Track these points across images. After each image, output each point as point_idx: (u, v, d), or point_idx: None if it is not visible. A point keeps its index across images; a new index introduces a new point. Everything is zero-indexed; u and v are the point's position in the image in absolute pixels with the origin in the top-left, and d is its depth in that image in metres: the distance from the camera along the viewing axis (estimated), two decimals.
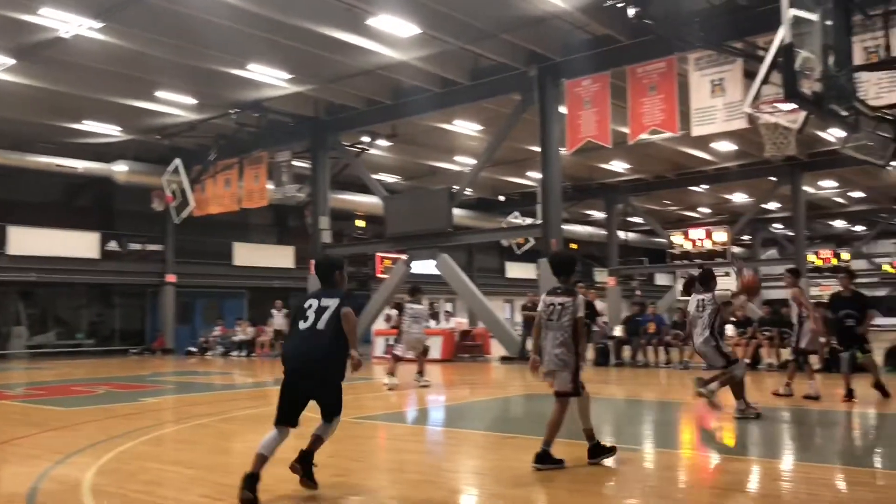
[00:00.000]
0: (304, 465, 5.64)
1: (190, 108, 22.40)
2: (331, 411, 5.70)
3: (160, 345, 28.30)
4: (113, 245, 28.01)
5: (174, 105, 22.00)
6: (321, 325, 5.57)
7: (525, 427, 9.33)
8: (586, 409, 6.37)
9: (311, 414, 5.73)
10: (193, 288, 30.05)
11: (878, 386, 10.35)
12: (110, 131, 24.34)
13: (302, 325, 5.65)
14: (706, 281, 9.00)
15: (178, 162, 24.85)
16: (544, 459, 6.12)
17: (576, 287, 6.62)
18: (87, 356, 26.44)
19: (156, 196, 26.04)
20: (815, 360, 12.56)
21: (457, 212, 24.01)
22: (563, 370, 6.23)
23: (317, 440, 5.76)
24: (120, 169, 26.29)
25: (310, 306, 5.70)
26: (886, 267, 43.74)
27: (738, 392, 8.79)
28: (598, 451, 6.31)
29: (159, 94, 20.91)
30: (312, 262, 24.53)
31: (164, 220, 27.66)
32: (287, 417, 5.57)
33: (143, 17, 16.07)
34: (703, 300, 8.82)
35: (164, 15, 15.91)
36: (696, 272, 10.25)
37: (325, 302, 5.67)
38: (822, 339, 11.02)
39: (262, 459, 5.41)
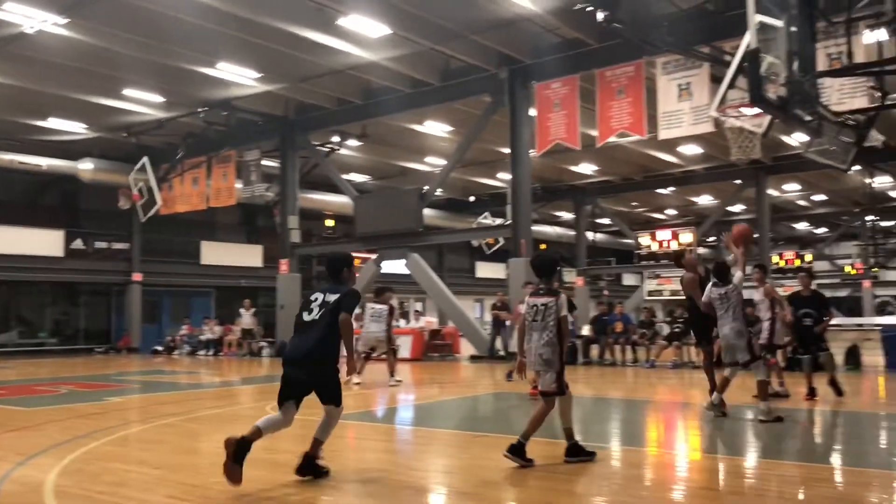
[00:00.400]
0: (309, 468, 5.91)
1: (157, 105, 22.16)
2: (328, 400, 5.93)
3: (126, 344, 27.98)
4: (78, 243, 27.61)
5: (141, 103, 21.75)
6: (318, 316, 5.88)
7: (494, 426, 9.38)
8: (568, 409, 6.47)
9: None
10: (160, 287, 29.76)
11: (833, 383, 10.48)
12: (76, 129, 23.99)
13: (306, 316, 5.97)
14: (723, 274, 8.84)
15: (145, 160, 24.60)
16: (517, 451, 6.20)
17: (558, 287, 6.67)
18: (51, 355, 26.01)
19: (122, 194, 25.74)
20: (780, 358, 12.76)
21: (427, 212, 24.04)
22: (547, 370, 6.32)
23: (316, 443, 5.98)
24: (86, 167, 25.90)
25: (315, 299, 6.00)
26: (847, 268, 44.55)
27: (723, 387, 8.84)
28: (576, 451, 6.39)
29: (126, 91, 20.66)
30: (281, 261, 24.48)
31: (131, 219, 27.37)
32: (285, 397, 5.86)
33: (110, 13, 15.87)
34: (725, 293, 8.68)
35: (130, 11, 15.72)
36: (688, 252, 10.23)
37: (328, 297, 5.95)
38: (787, 338, 11.18)
39: (257, 431, 5.65)
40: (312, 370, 5.82)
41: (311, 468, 5.94)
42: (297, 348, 5.90)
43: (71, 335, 28.93)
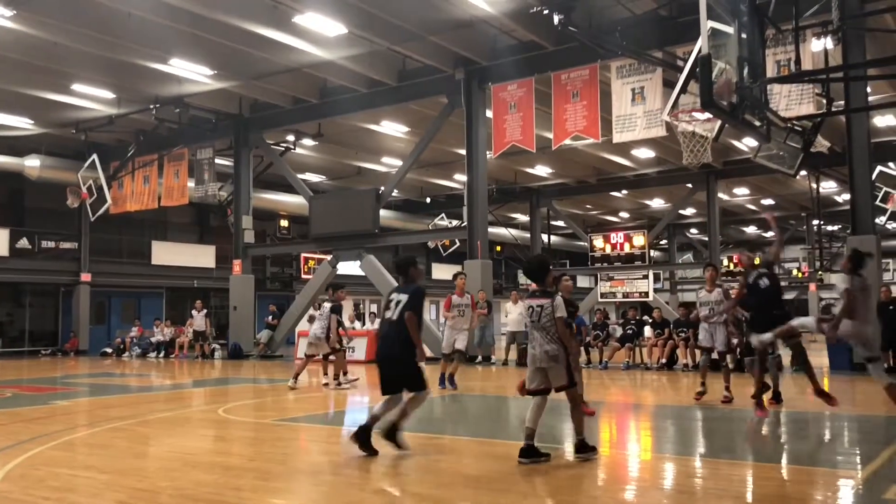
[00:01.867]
0: (392, 435, 6.91)
1: (108, 102, 21.73)
2: (412, 387, 6.97)
3: (73, 346, 27.32)
4: (24, 242, 26.83)
5: (91, 99, 21.29)
6: (396, 315, 6.92)
7: (448, 428, 9.38)
8: (542, 410, 6.60)
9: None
10: (109, 287, 29.16)
11: (775, 394, 10.11)
12: (22, 124, 23.37)
13: (386, 314, 7.05)
14: (861, 262, 8.11)
15: (94, 157, 24.06)
16: (582, 449, 6.56)
17: (553, 288, 6.88)
18: None
19: (71, 192, 25.10)
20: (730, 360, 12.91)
21: (383, 213, 23.98)
22: (555, 365, 6.50)
23: (403, 413, 6.97)
24: (32, 164, 25.21)
25: (392, 299, 7.04)
26: (795, 271, 45.63)
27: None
28: (531, 453, 6.42)
29: (75, 86, 20.21)
30: (234, 262, 24.23)
31: (80, 218, 26.76)
32: (385, 391, 7.00)
33: (58, 6, 15.52)
34: (860, 282, 8.07)
35: (79, 5, 15.41)
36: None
37: (400, 296, 7.00)
38: (735, 340, 11.30)
39: (374, 417, 6.91)
40: (395, 366, 6.95)
41: (393, 436, 6.93)
42: (383, 349, 7.06)
43: (16, 337, 28.14)
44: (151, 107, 21.81)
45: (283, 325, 23.95)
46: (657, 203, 37.82)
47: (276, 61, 18.65)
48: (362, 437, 6.80)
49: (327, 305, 13.49)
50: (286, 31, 16.66)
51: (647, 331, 18.43)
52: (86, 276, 28.06)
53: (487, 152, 19.70)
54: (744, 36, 8.05)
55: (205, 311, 24.08)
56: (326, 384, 13.42)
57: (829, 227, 43.14)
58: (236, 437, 8.72)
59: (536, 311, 6.58)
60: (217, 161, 24.53)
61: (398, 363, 6.93)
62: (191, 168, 24.38)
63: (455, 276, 13.73)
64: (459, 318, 12.72)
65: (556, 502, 5.54)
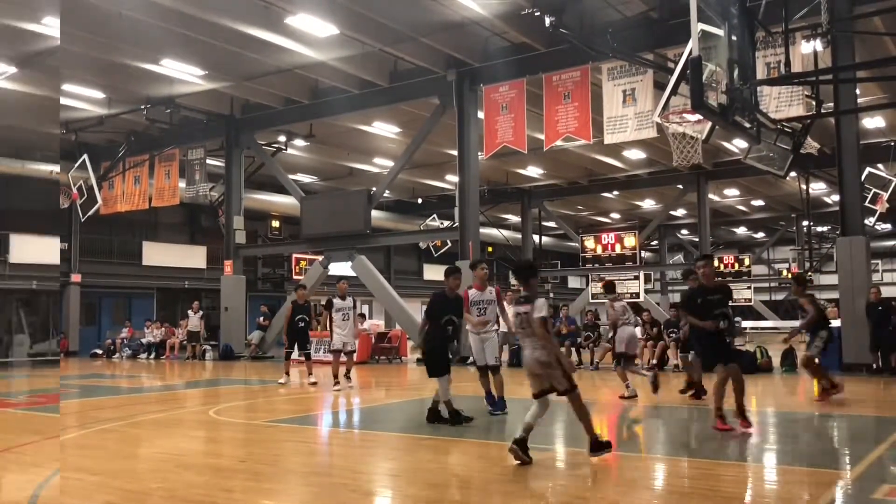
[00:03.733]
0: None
1: (98, 102, 21.66)
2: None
3: (63, 347, 27.19)
4: None
5: (81, 99, 21.23)
6: None
7: (439, 429, 9.38)
8: (543, 411, 6.50)
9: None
10: (100, 288, 29.05)
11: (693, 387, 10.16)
12: None
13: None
14: None
15: (84, 157, 23.96)
16: (597, 447, 6.40)
17: (536, 292, 6.71)
18: None
19: (61, 192, 25.01)
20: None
21: (375, 213, 23.97)
22: (550, 371, 6.34)
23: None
24: None
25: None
26: (785, 272, 45.83)
27: None
28: (519, 443, 6.42)
29: (66, 87, 20.13)
30: (226, 262, 24.18)
31: (70, 218, 26.63)
32: None
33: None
34: None
35: (70, 5, 15.31)
36: None
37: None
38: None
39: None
40: None
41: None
42: None
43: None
44: (142, 107, 21.76)
45: (275, 325, 23.89)
46: (648, 204, 37.93)
47: (267, 62, 18.63)
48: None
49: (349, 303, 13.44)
50: (278, 32, 16.65)
51: (638, 332, 18.45)
52: (76, 277, 27.92)
53: (479, 153, 19.72)
54: (734, 38, 8.10)
55: (200, 312, 24.05)
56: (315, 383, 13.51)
57: (819, 228, 43.35)
58: (227, 438, 8.70)
59: (523, 318, 6.46)
60: (208, 161, 24.50)
61: None
62: (182, 168, 24.32)
63: (473, 265, 10.54)
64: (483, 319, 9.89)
65: (542, 502, 5.55)
